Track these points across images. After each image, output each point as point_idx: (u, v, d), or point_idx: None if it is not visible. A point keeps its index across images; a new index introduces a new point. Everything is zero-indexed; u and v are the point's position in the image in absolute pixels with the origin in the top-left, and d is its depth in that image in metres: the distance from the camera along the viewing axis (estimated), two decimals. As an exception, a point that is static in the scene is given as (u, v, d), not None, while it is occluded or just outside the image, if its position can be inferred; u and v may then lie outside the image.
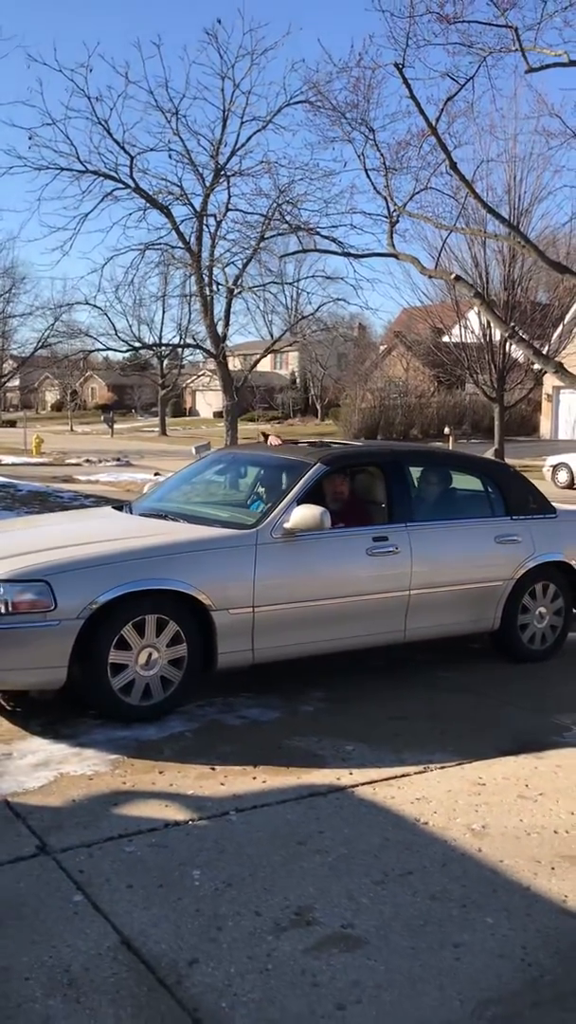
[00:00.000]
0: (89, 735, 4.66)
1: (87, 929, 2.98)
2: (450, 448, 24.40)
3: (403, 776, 4.30)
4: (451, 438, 29.24)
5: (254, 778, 4.21)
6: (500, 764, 4.50)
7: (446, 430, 31.28)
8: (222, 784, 4.14)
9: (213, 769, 4.30)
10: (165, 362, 45.86)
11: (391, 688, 5.65)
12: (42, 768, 4.25)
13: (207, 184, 18.74)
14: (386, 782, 4.22)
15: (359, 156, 15.19)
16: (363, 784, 4.18)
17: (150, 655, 4.85)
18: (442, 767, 4.43)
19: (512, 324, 23.08)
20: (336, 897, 3.22)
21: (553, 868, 3.49)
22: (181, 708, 5.02)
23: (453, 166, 13.03)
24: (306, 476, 5.55)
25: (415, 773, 4.34)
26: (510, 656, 6.33)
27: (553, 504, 6.79)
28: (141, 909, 3.10)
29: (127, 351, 25.45)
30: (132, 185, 18.17)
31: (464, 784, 4.24)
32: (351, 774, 4.29)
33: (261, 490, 6.09)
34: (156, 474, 19.85)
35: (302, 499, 5.40)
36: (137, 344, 28.82)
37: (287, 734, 4.79)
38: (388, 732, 4.87)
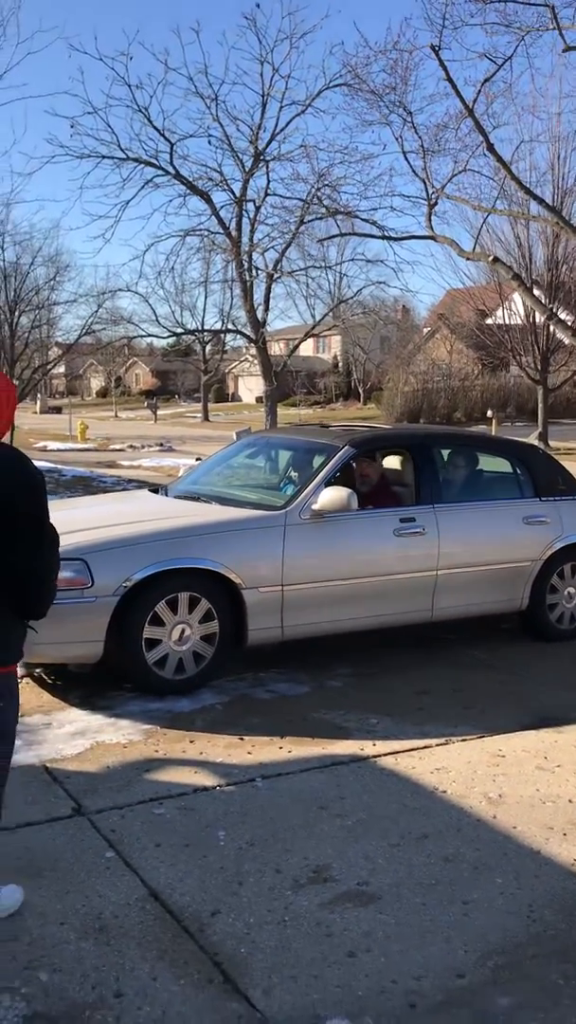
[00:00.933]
0: (124, 706, 4.88)
1: (117, 882, 3.19)
2: (491, 432, 24.30)
3: (425, 748, 4.45)
4: (495, 421, 29.07)
5: (280, 748, 4.39)
6: (520, 737, 4.63)
7: (489, 413, 31.08)
8: (249, 753, 4.32)
9: (241, 739, 4.49)
10: (207, 348, 46.13)
11: (417, 665, 5.78)
12: (79, 737, 4.48)
13: (246, 169, 18.81)
14: (408, 753, 4.37)
15: (397, 139, 15.21)
16: (385, 755, 4.34)
17: (183, 631, 5.05)
18: (463, 739, 4.57)
19: (554, 305, 22.87)
20: (353, 857, 3.39)
21: (565, 834, 3.62)
22: (212, 682, 5.22)
23: (490, 147, 12.99)
24: (334, 459, 5.69)
25: (436, 745, 4.49)
26: (538, 635, 6.42)
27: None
28: (168, 865, 3.30)
29: (169, 337, 25.68)
30: (172, 172, 18.31)
31: (484, 756, 4.38)
32: (374, 745, 4.45)
33: (291, 473, 6.24)
34: (197, 459, 20.02)
35: (330, 481, 5.56)
36: (179, 330, 29.09)
37: (314, 707, 4.96)
38: (412, 706, 5.02)
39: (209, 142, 18.96)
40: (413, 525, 5.77)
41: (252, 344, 21.09)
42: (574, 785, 4.08)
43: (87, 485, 16.47)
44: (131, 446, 27.86)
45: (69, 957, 2.76)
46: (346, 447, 5.76)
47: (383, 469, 6.27)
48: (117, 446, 28.11)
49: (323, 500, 5.37)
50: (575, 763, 4.32)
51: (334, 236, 20.80)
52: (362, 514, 5.62)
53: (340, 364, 53.54)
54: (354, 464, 5.92)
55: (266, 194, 18.85)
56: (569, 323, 17.17)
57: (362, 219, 17.98)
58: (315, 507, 5.40)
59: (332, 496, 5.36)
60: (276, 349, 31.55)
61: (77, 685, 5.14)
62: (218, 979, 2.68)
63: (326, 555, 5.47)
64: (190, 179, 18.54)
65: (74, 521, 5.48)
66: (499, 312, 30.20)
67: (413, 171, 15.41)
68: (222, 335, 37.97)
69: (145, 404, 50.73)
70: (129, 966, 2.72)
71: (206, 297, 44.94)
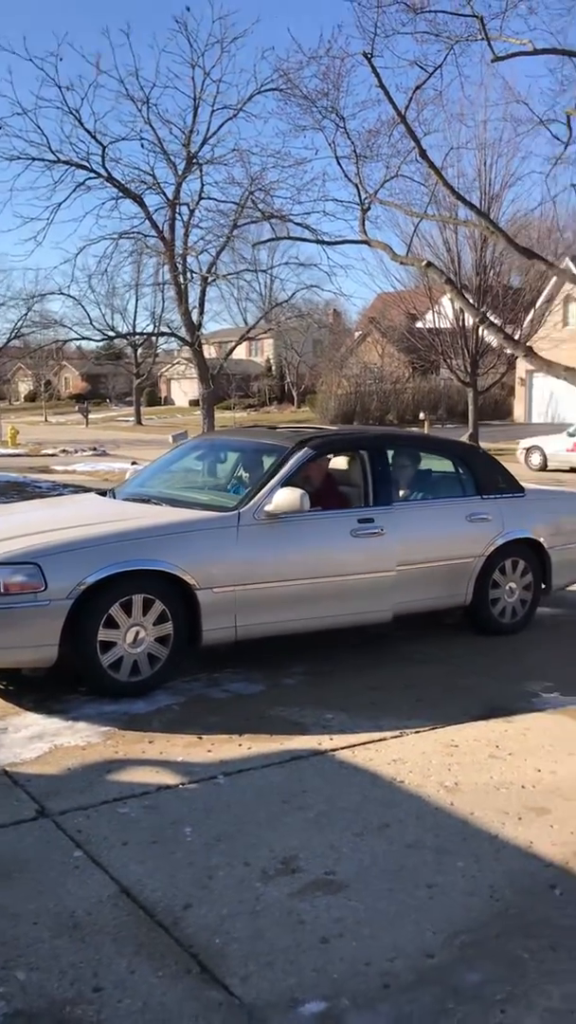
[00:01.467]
0: (80, 709, 4.88)
1: (88, 880, 3.21)
2: (424, 432, 24.67)
3: (380, 740, 4.55)
4: (426, 423, 29.56)
5: (239, 745, 4.45)
6: (472, 728, 4.77)
7: (421, 415, 31.61)
8: (209, 751, 4.37)
9: (200, 738, 4.53)
10: (139, 351, 45.83)
11: (368, 662, 5.89)
12: (37, 740, 4.46)
13: (179, 173, 18.85)
14: (364, 746, 4.46)
15: (330, 144, 15.39)
16: (343, 748, 4.42)
17: (137, 633, 5.06)
18: (417, 731, 4.69)
19: (483, 309, 23.36)
20: (319, 848, 3.46)
21: (520, 818, 3.75)
22: (168, 683, 5.24)
23: (423, 153, 13.24)
24: (287, 460, 5.76)
25: (391, 737, 4.60)
26: (482, 629, 6.59)
27: (522, 484, 7.05)
28: (137, 862, 3.33)
29: (102, 340, 25.52)
30: (104, 174, 18.25)
31: (438, 746, 4.50)
32: (331, 739, 4.53)
33: (243, 474, 6.30)
34: (133, 463, 19.99)
35: (283, 482, 5.62)
36: (112, 333, 28.86)
37: (270, 705, 5.03)
38: (366, 701, 5.12)
39: (142, 145, 19.02)
40: (371, 526, 5.87)
41: (187, 347, 21.09)
42: (525, 772, 4.23)
43: (22, 491, 16.25)
44: (64, 451, 27.55)
45: (45, 955, 2.78)
46: (296, 447, 5.84)
47: (332, 470, 6.36)
48: (49, 451, 27.76)
49: (277, 501, 5.43)
50: (525, 751, 4.47)
51: (269, 240, 20.99)
52: (318, 514, 5.70)
53: (273, 367, 53.73)
54: (306, 465, 5.99)
55: (200, 197, 18.95)
56: (499, 326, 17.55)
57: (295, 223, 18.18)
58: (268, 508, 5.46)
59: (286, 497, 5.42)
60: (210, 352, 31.49)
61: (31, 689, 5.12)
62: (195, 969, 2.73)
63: (280, 556, 5.53)
64: (122, 182, 18.54)
65: (24, 525, 5.47)
66: (429, 316, 30.71)
67: (346, 176, 15.64)
68: (155, 338, 37.82)
69: (76, 408, 50.19)
70: (106, 961, 2.75)
71: (137, 300, 44.59)
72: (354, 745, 4.47)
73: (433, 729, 4.73)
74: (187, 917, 3.00)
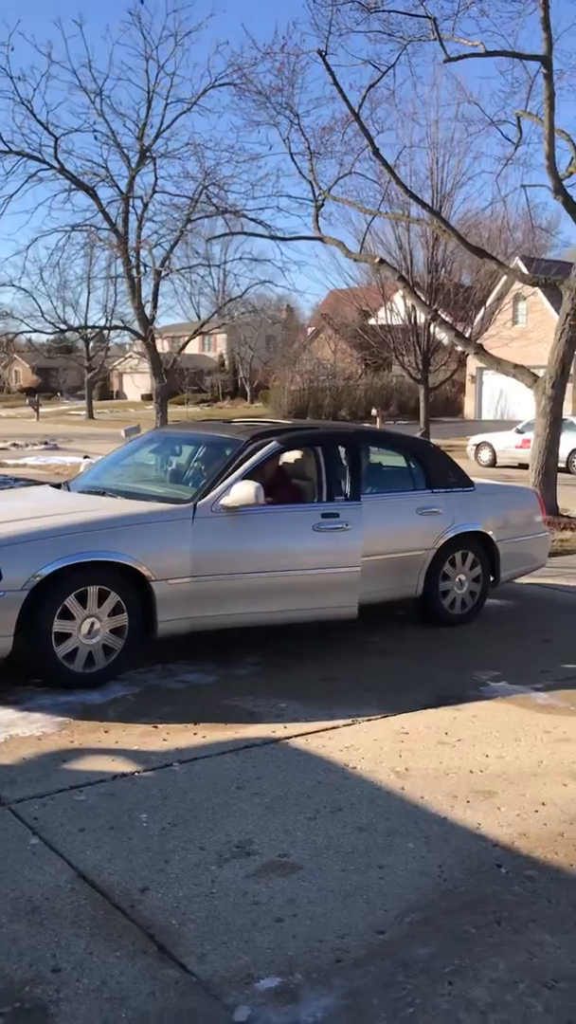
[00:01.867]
0: (35, 700, 4.89)
1: (45, 866, 3.24)
2: (377, 428, 24.84)
3: (333, 728, 4.64)
4: (379, 419, 29.75)
5: (194, 734, 4.50)
6: (422, 715, 4.88)
7: (373, 411, 31.77)
8: (164, 740, 4.42)
9: (156, 727, 4.58)
10: (91, 344, 45.44)
11: (321, 653, 5.99)
12: (-8, 731, 4.47)
13: (133, 166, 18.71)
14: (317, 734, 4.55)
15: (284, 140, 15.43)
16: (296, 736, 4.51)
17: (92, 624, 5.09)
18: (369, 719, 4.79)
19: (435, 307, 23.61)
20: (273, 832, 3.54)
21: (468, 801, 3.86)
22: (123, 674, 5.28)
23: (376, 152, 13.36)
24: (242, 453, 5.82)
25: (344, 726, 4.69)
26: (432, 621, 6.72)
27: (472, 479, 7.19)
28: (94, 848, 3.38)
29: (53, 333, 25.24)
30: (57, 166, 18.04)
31: (389, 733, 4.60)
32: (285, 728, 4.61)
33: (198, 467, 6.33)
34: (85, 457, 19.86)
35: (240, 476, 5.67)
36: (63, 326, 28.58)
37: (225, 695, 5.09)
38: (319, 691, 5.21)
39: (95, 137, 18.79)
40: (336, 521, 5.90)
41: (140, 341, 20.99)
42: (473, 757, 4.35)
43: (-28, 484, 16.03)
44: (15, 444, 27.20)
45: (3, 939, 2.81)
46: (260, 442, 5.88)
47: (292, 464, 6.42)
48: (0, 444, 27.41)
49: (234, 494, 5.47)
50: (473, 737, 4.59)
51: (223, 235, 20.96)
52: (277, 509, 5.76)
53: (227, 362, 53.64)
54: (263, 459, 6.04)
55: (153, 191, 18.84)
56: (450, 323, 17.79)
57: (249, 219, 18.17)
58: (225, 501, 5.50)
59: (242, 490, 5.46)
60: (163, 346, 31.37)
61: (-15, 681, 5.11)
62: (152, 949, 2.79)
63: (237, 549, 5.55)
64: (75, 174, 18.34)
65: (-22, 517, 5.44)
66: (381, 313, 30.94)
67: (300, 172, 15.68)
68: (107, 332, 37.51)
69: (27, 402, 49.57)
70: (64, 943, 2.80)
71: (89, 293, 44.17)
72: (307, 733, 4.55)
73: (385, 717, 4.83)
74: (144, 900, 3.05)
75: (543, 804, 3.85)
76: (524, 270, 27.62)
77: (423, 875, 3.26)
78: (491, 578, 7.06)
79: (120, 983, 2.61)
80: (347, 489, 6.08)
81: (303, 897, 3.10)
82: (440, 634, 6.54)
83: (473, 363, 33.08)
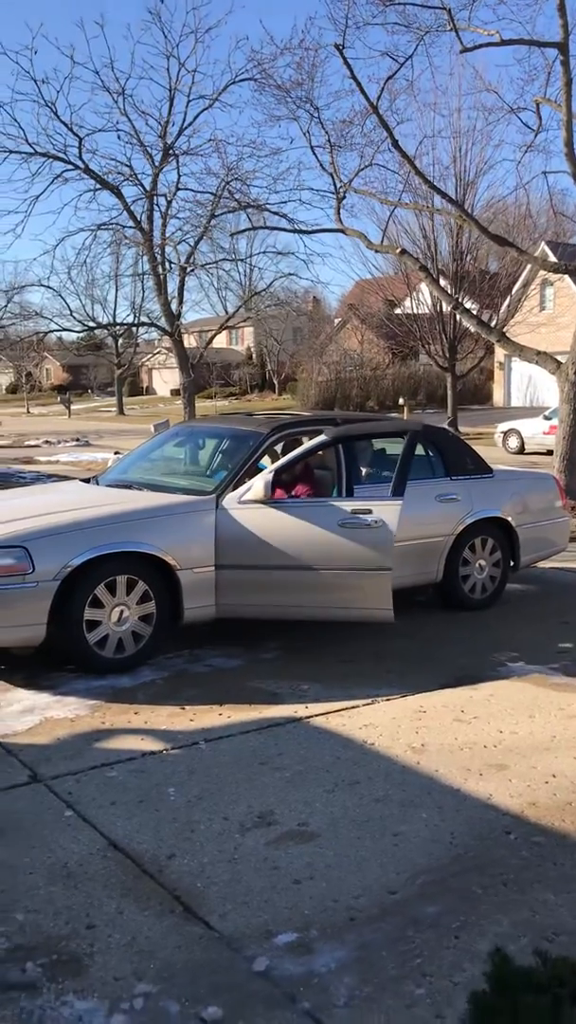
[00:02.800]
0: (68, 685, 5.12)
1: (79, 836, 3.46)
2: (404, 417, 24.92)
3: (352, 708, 4.82)
4: (406, 409, 29.80)
5: (220, 714, 4.71)
6: (439, 695, 5.04)
7: (401, 401, 31.82)
8: (191, 720, 4.63)
9: (183, 709, 4.79)
10: (120, 341, 45.85)
11: (341, 637, 6.15)
12: (28, 714, 4.71)
13: (156, 164, 18.93)
14: (337, 713, 4.74)
15: (305, 134, 15.51)
16: (317, 715, 4.69)
17: (122, 612, 5.31)
18: (387, 699, 4.96)
19: (460, 295, 23.61)
20: (293, 803, 3.73)
21: (481, 774, 4.03)
22: (151, 659, 5.50)
23: (395, 144, 13.42)
24: (263, 445, 6.00)
25: (363, 705, 4.87)
26: (453, 605, 6.87)
27: (491, 465, 7.31)
28: (124, 819, 3.59)
29: (83, 331, 25.59)
30: (82, 166, 18.30)
31: (407, 712, 4.78)
32: (307, 708, 4.80)
33: (221, 459, 6.52)
34: (116, 453, 20.10)
35: (258, 469, 5.85)
36: (92, 324, 28.93)
37: (249, 678, 5.29)
38: (339, 673, 5.39)
39: (118, 136, 19.10)
40: (367, 517, 5.53)
41: (168, 336, 21.23)
42: (488, 733, 4.51)
43: (6, 482, 16.37)
44: (47, 442, 27.64)
45: (41, 900, 3.03)
46: (280, 434, 6.06)
47: (315, 459, 6.48)
48: (32, 442, 27.83)
49: (254, 486, 5.62)
50: (489, 715, 4.75)
51: (246, 230, 21.13)
52: (299, 503, 5.84)
53: (254, 355, 53.80)
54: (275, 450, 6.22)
55: (177, 188, 19.02)
56: (474, 312, 17.84)
57: (272, 212, 18.32)
58: (246, 493, 5.66)
59: (258, 484, 5.61)
60: (190, 341, 31.66)
61: (21, 667, 5.35)
62: (179, 909, 2.99)
63: (259, 539, 5.59)
64: (100, 173, 18.59)
65: (11, 511, 5.69)
66: (407, 302, 30.96)
67: (321, 165, 15.76)
68: (135, 328, 37.91)
69: (58, 399, 50.07)
70: (97, 904, 3.01)
71: (116, 290, 44.63)
72: (328, 712, 4.74)
73: (403, 697, 5.00)
74: (171, 865, 3.26)
75: (553, 776, 4.00)
76: (551, 255, 27.51)
77: (435, 842, 3.44)
78: (511, 563, 7.18)
79: (148, 938, 2.82)
80: (376, 483, 5.92)
81: (320, 862, 3.29)
82: (460, 618, 6.69)
83: (501, 351, 32.94)
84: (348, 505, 5.65)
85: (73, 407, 47.17)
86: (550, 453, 21.52)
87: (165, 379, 56.83)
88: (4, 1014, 2.48)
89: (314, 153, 15.62)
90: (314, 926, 2.90)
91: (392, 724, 4.60)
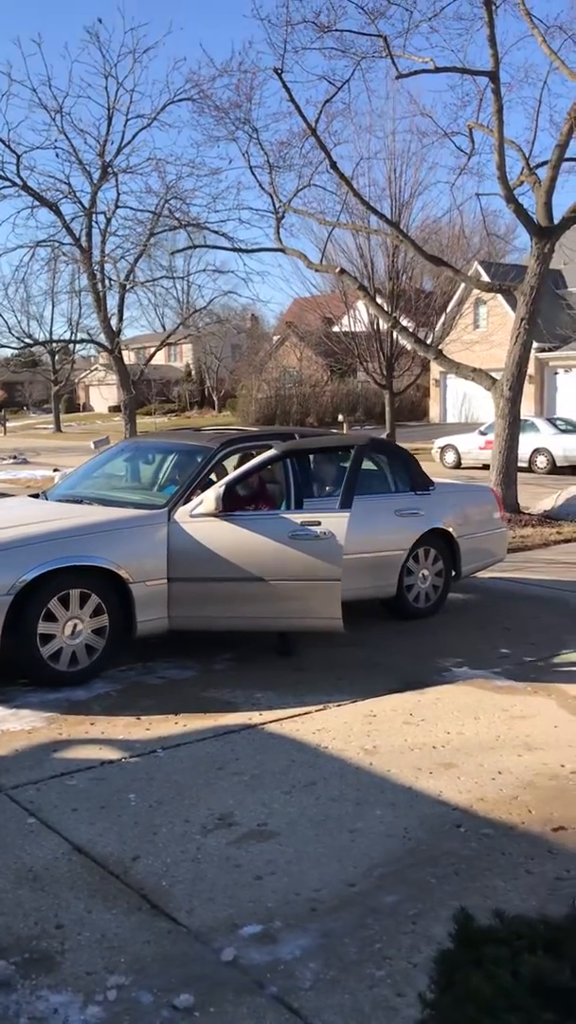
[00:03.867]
0: (23, 698, 5.16)
1: (43, 842, 3.53)
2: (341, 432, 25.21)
3: (305, 714, 4.96)
4: (345, 425, 30.20)
5: (176, 723, 4.80)
6: (388, 700, 5.21)
7: (340, 417, 32.25)
8: (148, 729, 4.71)
9: (139, 719, 4.87)
10: (56, 357, 45.51)
11: (292, 646, 6.28)
12: (-16, 727, 4.73)
13: (95, 181, 18.97)
14: (291, 719, 4.87)
15: (243, 154, 15.82)
16: (271, 722, 4.82)
17: (75, 625, 5.37)
18: (339, 705, 5.11)
19: (397, 313, 24.07)
20: (252, 805, 3.85)
21: (431, 772, 4.20)
22: (105, 672, 5.56)
23: (333, 165, 13.75)
24: (213, 460, 6.13)
25: (315, 711, 5.01)
26: (398, 614, 7.06)
27: (432, 479, 7.54)
28: (87, 824, 3.66)
29: (20, 348, 25.40)
30: (19, 183, 18.24)
31: (358, 716, 4.93)
32: (261, 715, 4.92)
33: (171, 474, 6.62)
34: (55, 470, 20.01)
35: (208, 483, 5.97)
36: (29, 340, 28.74)
37: (203, 688, 5.39)
38: (291, 681, 5.52)
39: (56, 154, 19.10)
40: (314, 529, 5.61)
41: (107, 353, 21.22)
42: (436, 735, 4.68)
43: (-55, 499, 16.16)
44: (-17, 459, 27.25)
45: (9, 903, 3.09)
46: (229, 448, 6.18)
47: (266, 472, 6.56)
48: (-31, 460, 27.44)
49: (205, 501, 5.73)
50: (436, 717, 4.93)
51: (186, 248, 21.28)
52: (252, 515, 5.90)
53: (193, 372, 53.85)
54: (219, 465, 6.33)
55: (116, 206, 19.09)
56: (410, 330, 18.21)
57: (212, 231, 18.49)
58: (197, 507, 5.77)
59: (210, 497, 5.73)
60: (129, 358, 31.61)
61: (-26, 682, 5.37)
62: (146, 907, 3.08)
63: (209, 552, 5.68)
64: (38, 191, 18.54)
65: (-38, 527, 5.69)
66: (345, 320, 31.39)
67: (260, 185, 16.06)
68: (73, 345, 37.70)
69: (-7, 417, 49.34)
70: (65, 905, 3.09)
71: (54, 307, 44.40)
72: (282, 719, 4.86)
73: (354, 702, 5.16)
74: (136, 866, 3.35)
75: (499, 773, 4.19)
76: (484, 275, 28.22)
77: (390, 837, 3.59)
78: (452, 573, 7.41)
79: (118, 934, 2.91)
80: (344, 493, 5.76)
81: (280, 859, 3.41)
82: (406, 626, 6.89)
83: (437, 367, 33.58)
84: (298, 517, 5.73)
85: (8, 424, 46.57)
86: (486, 467, 22.01)
87: (103, 396, 56.50)
88: (-20, 1011, 2.54)
89: (253, 173, 15.91)
90: (278, 918, 3.02)
91: (344, 728, 4.74)
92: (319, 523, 5.67)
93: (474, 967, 1.57)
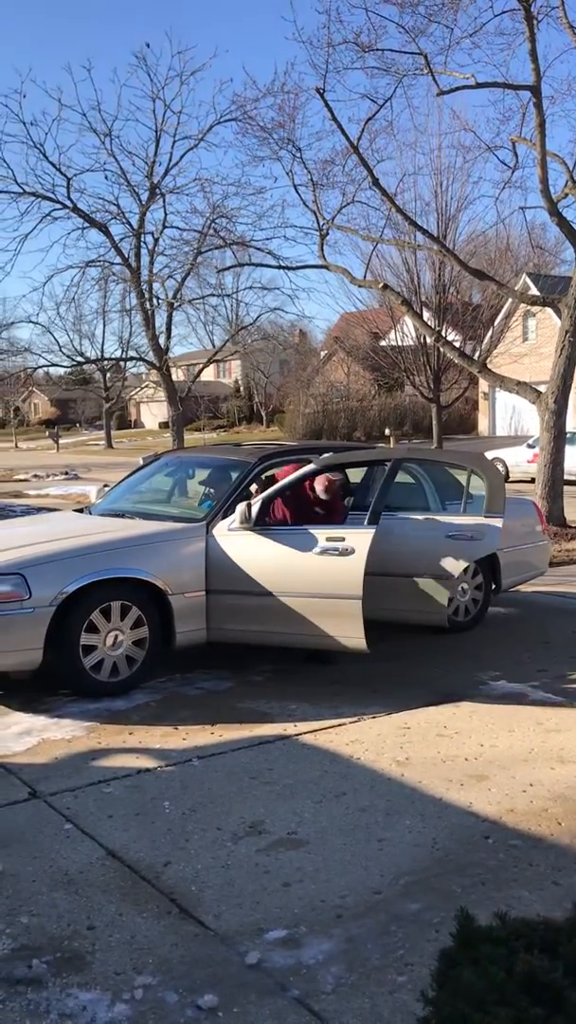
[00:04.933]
0: (64, 708, 5.29)
1: (78, 847, 3.63)
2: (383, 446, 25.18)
3: (340, 725, 5.01)
4: (392, 439, 30.15)
5: (212, 733, 4.88)
6: (423, 712, 5.24)
7: (387, 431, 32.21)
8: (184, 739, 4.80)
9: (176, 729, 4.97)
10: (108, 375, 46.26)
11: (330, 660, 6.33)
12: (26, 735, 4.87)
13: (143, 202, 19.35)
14: (325, 731, 4.92)
15: (287, 173, 15.96)
16: (306, 733, 4.88)
17: (116, 637, 5.49)
18: (373, 717, 5.15)
19: (443, 326, 24.05)
20: (283, 814, 3.91)
21: (462, 784, 4.22)
22: (144, 683, 5.67)
23: (375, 182, 13.84)
24: (251, 474, 6.23)
25: (350, 723, 5.05)
26: (438, 628, 7.04)
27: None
28: (121, 831, 3.76)
29: (72, 366, 25.90)
30: (70, 205, 18.69)
31: (392, 728, 4.96)
32: (295, 726, 4.98)
33: (210, 488, 6.74)
34: (104, 486, 20.33)
35: (247, 496, 6.06)
36: (80, 359, 29.27)
37: (239, 699, 5.47)
38: (328, 693, 5.58)
39: (106, 176, 19.53)
40: (339, 544, 5.54)
41: (156, 370, 21.54)
42: (469, 747, 4.70)
43: (-3, 515, 16.54)
44: (36, 475, 27.81)
45: (44, 904, 3.20)
46: (267, 463, 6.28)
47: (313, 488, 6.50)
48: (21, 476, 28.00)
49: (239, 514, 5.81)
50: (471, 730, 4.94)
51: (233, 267, 21.52)
52: (288, 529, 5.85)
53: (241, 388, 54.25)
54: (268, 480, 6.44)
55: (163, 226, 19.43)
56: (457, 343, 18.21)
57: (258, 249, 18.73)
58: (235, 520, 5.85)
59: (242, 511, 5.79)
60: (178, 375, 32.02)
61: (18, 692, 5.52)
62: (175, 911, 3.16)
63: (247, 566, 5.73)
64: (88, 212, 18.97)
65: (7, 540, 5.88)
66: (392, 334, 31.45)
67: (304, 203, 16.20)
68: (123, 363, 38.30)
69: (47, 433, 50.31)
70: (97, 907, 3.18)
71: (104, 325, 45.18)
72: (316, 730, 4.92)
73: (388, 714, 5.19)
74: (167, 872, 3.43)
75: (531, 785, 4.20)
76: (532, 287, 28.03)
77: (418, 847, 3.62)
78: (493, 586, 7.40)
79: (147, 936, 2.99)
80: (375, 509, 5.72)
81: (308, 866, 3.46)
82: (444, 640, 6.89)
83: (486, 381, 33.43)
84: (324, 533, 5.68)
85: (61, 441, 47.40)
86: (534, 481, 21.92)
87: (154, 412, 57.20)
88: (13, 1006, 2.64)
89: (297, 191, 16.06)
90: (303, 923, 3.07)
91: (378, 740, 4.78)
92: (343, 539, 5.61)
93: (471, 964, 1.62)
